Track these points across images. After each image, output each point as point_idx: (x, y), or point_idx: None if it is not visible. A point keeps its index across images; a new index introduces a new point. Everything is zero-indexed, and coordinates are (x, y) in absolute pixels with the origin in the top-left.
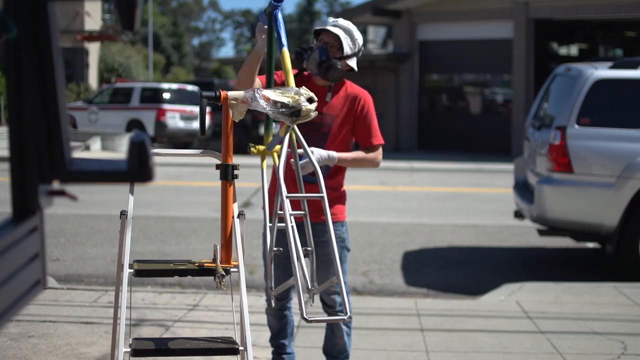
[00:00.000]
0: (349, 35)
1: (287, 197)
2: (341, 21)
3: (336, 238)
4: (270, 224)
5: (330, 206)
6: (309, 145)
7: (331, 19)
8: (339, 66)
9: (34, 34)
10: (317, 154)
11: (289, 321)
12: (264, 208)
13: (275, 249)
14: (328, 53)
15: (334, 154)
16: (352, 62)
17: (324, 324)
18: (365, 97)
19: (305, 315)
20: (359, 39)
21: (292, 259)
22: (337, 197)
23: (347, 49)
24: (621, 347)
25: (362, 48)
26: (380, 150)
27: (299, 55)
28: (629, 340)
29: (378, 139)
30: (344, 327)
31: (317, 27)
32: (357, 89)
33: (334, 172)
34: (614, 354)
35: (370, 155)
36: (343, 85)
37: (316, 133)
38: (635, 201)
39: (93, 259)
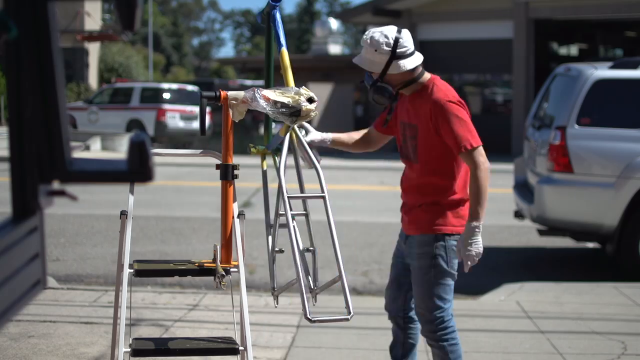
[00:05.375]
0: (372, 47)
1: (288, 197)
2: (363, 40)
3: (424, 254)
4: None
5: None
6: (406, 157)
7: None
8: (374, 86)
9: (34, 34)
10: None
11: (398, 339)
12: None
13: (277, 249)
14: (370, 77)
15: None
16: (399, 67)
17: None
18: (437, 101)
19: (308, 315)
20: (381, 40)
21: (293, 259)
22: (434, 205)
23: (376, 66)
24: (621, 347)
25: (398, 42)
26: (476, 153)
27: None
28: (629, 340)
29: (466, 141)
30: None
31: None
32: (436, 94)
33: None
34: (614, 354)
35: (473, 171)
36: (427, 89)
37: (411, 147)
38: (635, 201)
39: (93, 259)
